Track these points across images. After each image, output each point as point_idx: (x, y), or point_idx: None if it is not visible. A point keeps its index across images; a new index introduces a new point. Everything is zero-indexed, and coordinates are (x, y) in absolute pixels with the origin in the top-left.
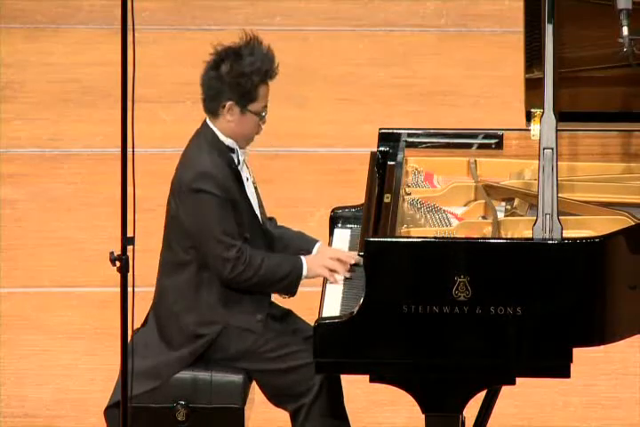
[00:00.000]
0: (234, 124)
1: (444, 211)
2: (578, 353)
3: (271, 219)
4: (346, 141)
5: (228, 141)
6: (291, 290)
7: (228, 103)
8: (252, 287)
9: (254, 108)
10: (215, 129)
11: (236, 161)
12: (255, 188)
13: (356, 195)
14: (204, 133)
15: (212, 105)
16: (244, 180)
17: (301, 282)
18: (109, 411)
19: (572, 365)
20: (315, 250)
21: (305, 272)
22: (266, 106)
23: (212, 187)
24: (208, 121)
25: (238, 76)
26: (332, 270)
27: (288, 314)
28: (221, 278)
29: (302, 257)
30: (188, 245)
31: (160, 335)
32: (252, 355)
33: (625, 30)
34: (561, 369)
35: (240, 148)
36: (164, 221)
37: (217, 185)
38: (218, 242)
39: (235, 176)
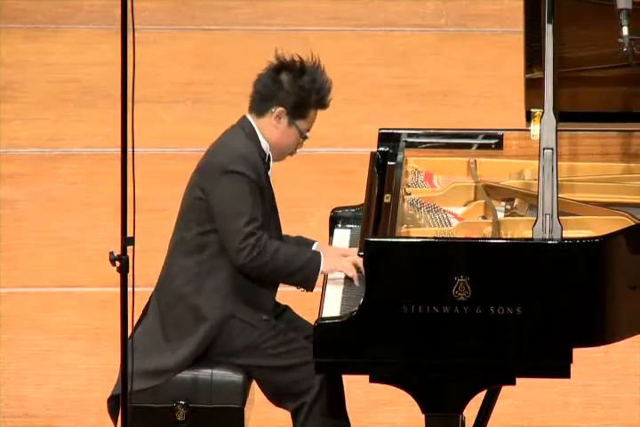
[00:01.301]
0: (278, 133)
1: (444, 211)
2: (578, 353)
3: None
4: (346, 141)
5: (264, 144)
6: (307, 284)
7: (279, 109)
8: (267, 275)
9: (301, 126)
10: (256, 127)
11: (265, 164)
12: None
13: (355, 195)
14: (242, 127)
15: (262, 104)
16: (270, 178)
17: (319, 277)
18: (111, 402)
19: (571, 365)
20: (314, 249)
21: (322, 267)
22: (310, 129)
23: (246, 169)
24: (250, 118)
25: (299, 88)
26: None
27: (285, 310)
28: (237, 263)
29: (321, 252)
30: (209, 229)
31: (162, 325)
32: (254, 351)
33: (625, 30)
34: (561, 369)
35: (272, 158)
36: (182, 204)
37: (251, 168)
38: (243, 225)
39: (265, 170)
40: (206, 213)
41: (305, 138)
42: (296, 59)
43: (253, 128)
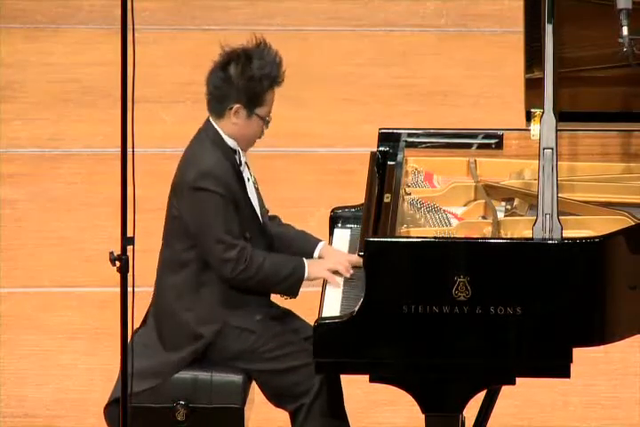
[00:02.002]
0: (239, 127)
1: (444, 211)
2: (578, 353)
3: (274, 217)
4: (346, 141)
5: (231, 142)
6: (292, 291)
7: (236, 106)
8: (253, 287)
9: (261, 113)
10: (219, 129)
11: (237, 162)
12: (256, 188)
13: (356, 195)
14: (206, 133)
15: (219, 106)
16: (246, 180)
17: (303, 284)
18: (109, 409)
19: (572, 365)
20: (317, 251)
21: (306, 274)
22: (270, 111)
23: (215, 186)
24: (212, 121)
25: (248, 79)
26: (333, 272)
27: (287, 314)
28: (223, 278)
29: (304, 259)
30: (189, 245)
31: (159, 335)
32: (252, 355)
33: (625, 30)
34: (561, 369)
35: (242, 150)
36: (165, 221)
37: (219, 184)
38: (218, 242)
39: (237, 176)
40: (184, 229)
41: (267, 122)
42: (239, 48)
43: (217, 133)
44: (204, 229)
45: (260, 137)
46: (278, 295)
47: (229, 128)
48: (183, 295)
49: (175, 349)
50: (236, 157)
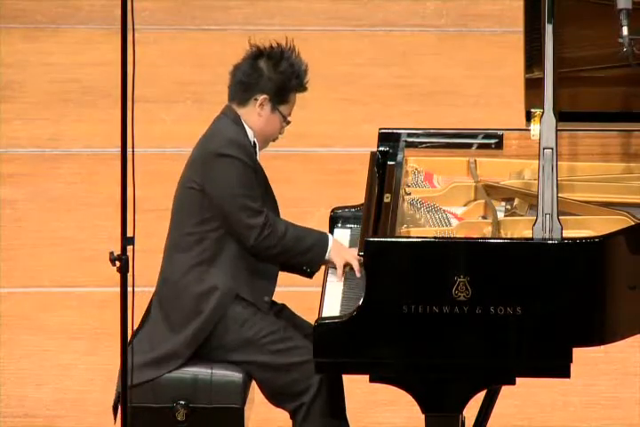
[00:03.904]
0: (262, 120)
1: (444, 211)
2: (578, 353)
3: None
4: (346, 141)
5: (250, 132)
6: (313, 264)
7: (262, 97)
8: (275, 256)
9: (284, 111)
10: (240, 115)
11: (255, 152)
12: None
13: (356, 195)
14: (227, 115)
15: (246, 94)
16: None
17: (323, 260)
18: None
19: (571, 365)
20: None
21: (329, 250)
22: (290, 113)
23: (240, 153)
24: (233, 106)
25: (280, 73)
26: (346, 264)
27: (283, 309)
28: (247, 245)
29: (330, 235)
30: (202, 218)
31: (164, 317)
32: (252, 346)
33: (625, 30)
34: (561, 369)
35: (258, 146)
36: (173, 204)
37: (243, 151)
38: (244, 208)
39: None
40: (201, 201)
41: (288, 123)
42: (273, 45)
43: (238, 117)
44: (229, 196)
45: (276, 138)
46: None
47: (252, 118)
48: (195, 270)
49: (180, 326)
50: (254, 147)
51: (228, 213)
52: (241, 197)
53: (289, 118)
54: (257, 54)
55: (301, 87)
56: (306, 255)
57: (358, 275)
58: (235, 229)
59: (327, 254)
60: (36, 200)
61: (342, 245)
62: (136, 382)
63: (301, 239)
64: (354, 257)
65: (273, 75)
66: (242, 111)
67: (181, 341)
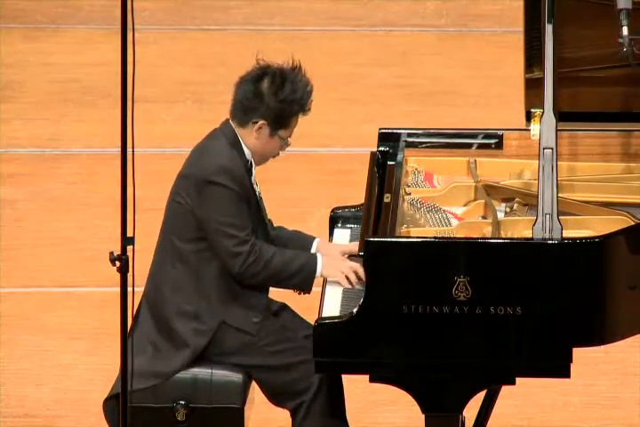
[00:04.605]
0: (259, 143)
1: (444, 211)
2: (578, 353)
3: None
4: (346, 141)
5: (247, 152)
6: (305, 286)
7: (261, 122)
8: (263, 282)
9: (283, 135)
10: (238, 134)
11: (250, 171)
12: (261, 198)
13: (356, 195)
14: (224, 132)
15: (243, 116)
16: (255, 186)
17: (316, 279)
18: (108, 403)
19: (571, 365)
20: (314, 248)
21: (319, 269)
22: (291, 134)
23: (229, 181)
24: (232, 124)
25: (280, 101)
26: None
27: (283, 309)
28: (232, 272)
29: (318, 254)
30: (192, 237)
31: (158, 330)
32: (251, 349)
33: (625, 30)
34: (561, 369)
35: (255, 164)
36: (165, 211)
37: (234, 180)
38: (230, 236)
39: (248, 178)
40: (189, 220)
41: (287, 144)
42: (276, 67)
43: (236, 136)
44: (215, 223)
45: (275, 156)
46: (293, 292)
47: (250, 140)
48: (181, 289)
49: (175, 345)
50: (249, 167)
51: (214, 240)
52: (227, 226)
53: (289, 140)
54: (259, 76)
55: (303, 111)
56: (294, 278)
57: (357, 287)
58: (220, 256)
59: (318, 274)
60: (36, 200)
61: (336, 259)
62: (135, 388)
63: (288, 264)
64: (350, 268)
65: (273, 102)
66: (240, 131)
67: (174, 367)
